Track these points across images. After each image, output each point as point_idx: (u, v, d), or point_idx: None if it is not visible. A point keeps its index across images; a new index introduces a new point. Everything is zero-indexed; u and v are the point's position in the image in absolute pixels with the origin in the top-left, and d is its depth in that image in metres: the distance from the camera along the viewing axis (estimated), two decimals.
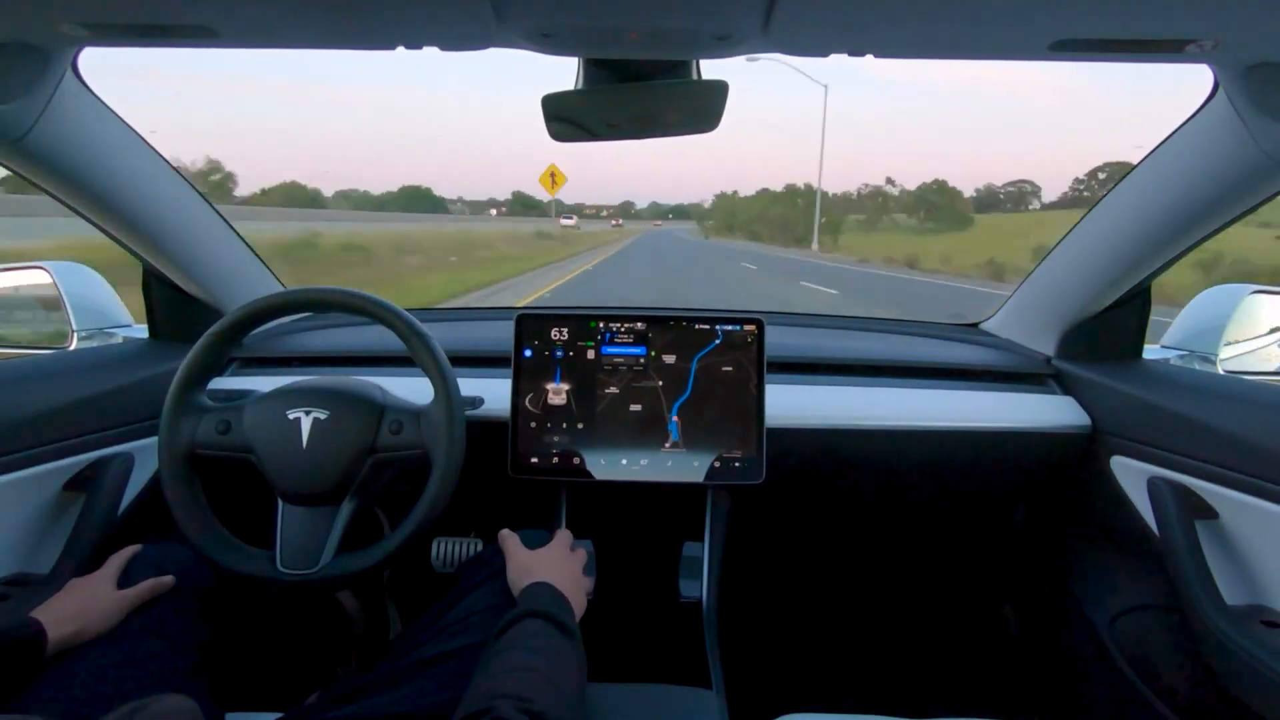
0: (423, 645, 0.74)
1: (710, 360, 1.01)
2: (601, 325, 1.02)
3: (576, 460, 1.00)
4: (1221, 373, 1.13)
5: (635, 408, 1.01)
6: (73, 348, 1.15)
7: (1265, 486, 0.80)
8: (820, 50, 0.63)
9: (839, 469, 1.16)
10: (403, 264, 13.51)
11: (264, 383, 1.00)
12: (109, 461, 0.94)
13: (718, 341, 1.02)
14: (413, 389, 0.94)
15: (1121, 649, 1.01)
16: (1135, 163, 0.93)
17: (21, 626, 0.67)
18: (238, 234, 1.16)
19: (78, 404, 0.91)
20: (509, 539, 0.82)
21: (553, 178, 18.64)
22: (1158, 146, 0.88)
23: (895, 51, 0.64)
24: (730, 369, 1.01)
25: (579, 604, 0.76)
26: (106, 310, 1.24)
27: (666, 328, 1.02)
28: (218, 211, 1.11)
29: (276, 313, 0.91)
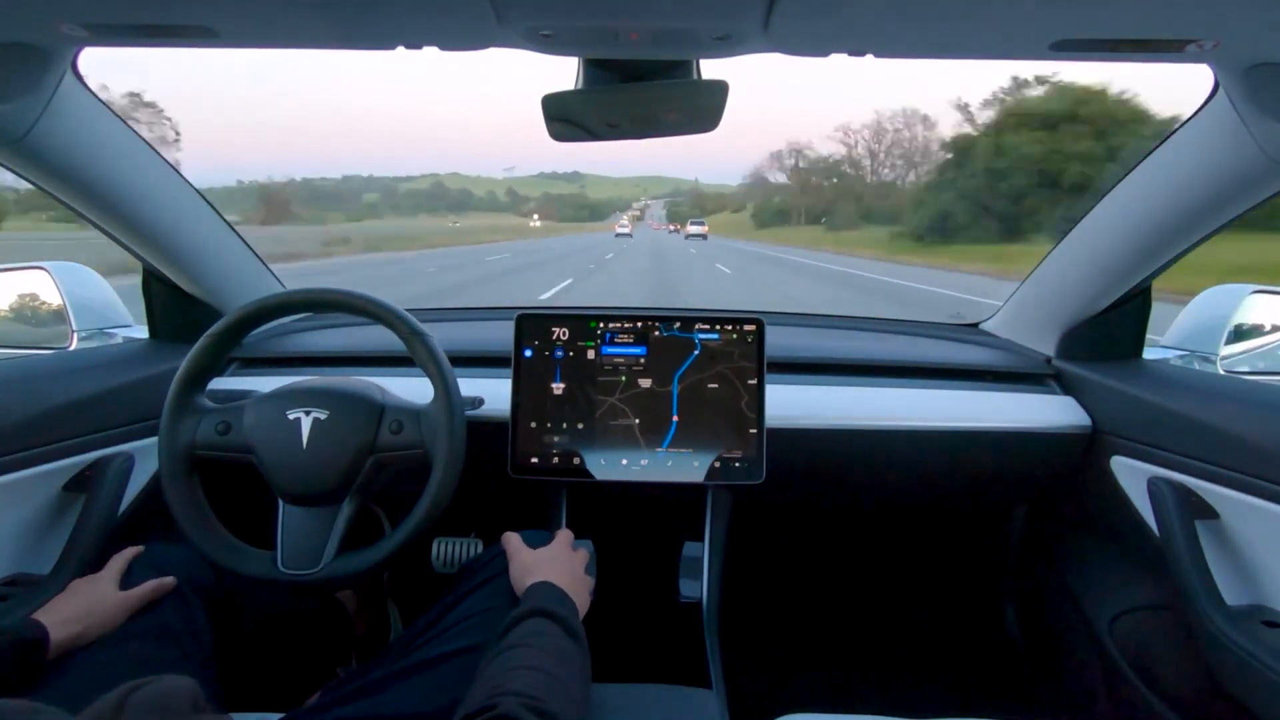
0: (424, 646, 0.74)
1: (711, 360, 1.01)
2: (602, 325, 1.02)
3: (577, 460, 1.00)
4: (1221, 373, 1.13)
5: (636, 407, 1.01)
6: (73, 348, 1.15)
7: (1266, 486, 0.80)
8: (820, 50, 0.63)
9: (839, 469, 1.16)
10: None
11: (264, 383, 0.99)
12: (109, 461, 0.93)
13: (718, 341, 1.02)
14: (413, 389, 0.94)
15: (1121, 649, 1.01)
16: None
17: (25, 628, 0.67)
18: (238, 234, 1.16)
19: (78, 404, 0.91)
20: (511, 539, 0.82)
21: None
22: (1157, 146, 0.88)
23: (895, 52, 0.64)
24: (730, 369, 1.01)
25: (582, 603, 0.76)
26: (106, 310, 1.23)
27: (666, 327, 1.02)
28: (217, 211, 1.11)
29: (276, 313, 0.91)
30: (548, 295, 9.85)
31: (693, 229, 44.83)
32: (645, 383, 1.01)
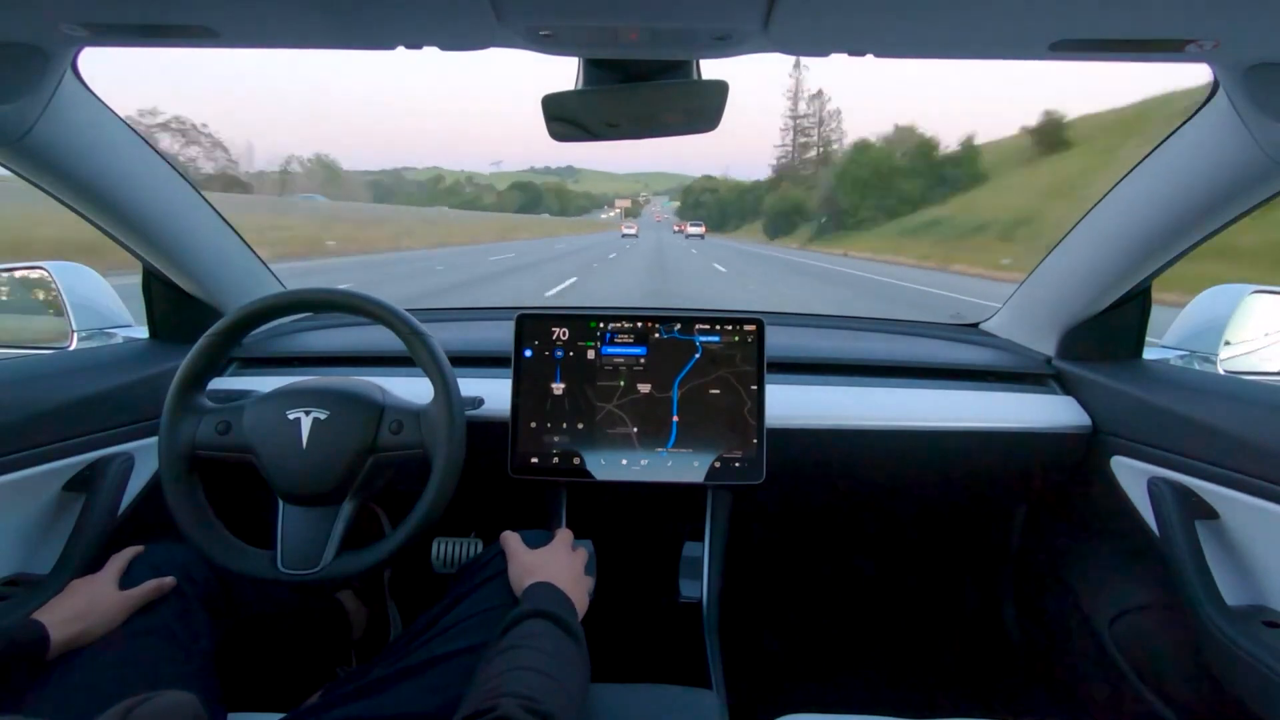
0: (424, 646, 0.74)
1: (711, 364, 1.01)
2: (602, 325, 1.02)
3: (577, 460, 1.00)
4: (1221, 373, 1.13)
5: (634, 415, 1.01)
6: (73, 348, 1.15)
7: (1266, 486, 0.80)
8: (820, 50, 0.63)
9: (839, 469, 1.16)
10: None
11: (264, 383, 1.00)
12: (109, 461, 0.94)
13: (718, 341, 1.02)
14: (413, 389, 0.94)
15: (1121, 649, 1.01)
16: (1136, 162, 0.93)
17: (25, 628, 0.67)
18: (238, 234, 1.16)
19: (78, 404, 0.91)
20: (510, 539, 0.82)
21: None
22: (1157, 146, 0.88)
23: (895, 51, 0.64)
24: (732, 373, 1.01)
25: (581, 603, 0.76)
26: (106, 310, 1.24)
27: (667, 328, 1.02)
28: (218, 211, 1.11)
29: (276, 313, 0.91)
30: None
31: (691, 230, 48.35)
32: (644, 387, 1.01)
